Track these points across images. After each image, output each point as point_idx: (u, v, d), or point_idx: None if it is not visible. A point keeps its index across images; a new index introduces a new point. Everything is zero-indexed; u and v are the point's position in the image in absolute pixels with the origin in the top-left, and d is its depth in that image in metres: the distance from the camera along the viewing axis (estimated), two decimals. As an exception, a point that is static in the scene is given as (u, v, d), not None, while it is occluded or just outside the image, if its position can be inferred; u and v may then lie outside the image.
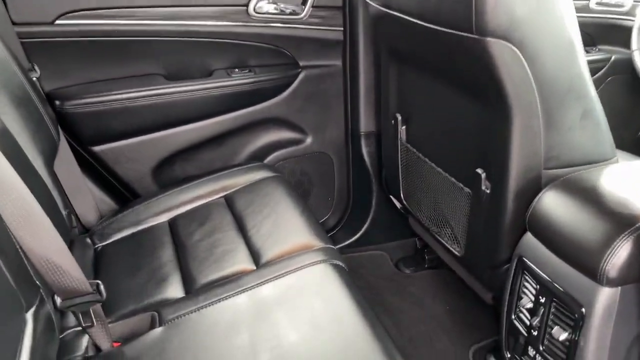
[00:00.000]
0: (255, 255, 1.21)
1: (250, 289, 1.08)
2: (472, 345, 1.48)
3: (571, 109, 1.04)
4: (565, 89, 1.03)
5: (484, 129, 1.14)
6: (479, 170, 1.17)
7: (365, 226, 1.86)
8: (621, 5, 1.87)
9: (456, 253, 1.37)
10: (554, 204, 1.01)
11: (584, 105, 1.05)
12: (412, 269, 1.81)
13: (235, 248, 1.23)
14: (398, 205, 1.77)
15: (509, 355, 1.16)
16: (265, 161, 1.73)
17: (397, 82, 1.50)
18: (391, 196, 1.77)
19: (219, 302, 1.06)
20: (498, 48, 0.97)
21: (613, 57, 1.91)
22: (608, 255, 0.87)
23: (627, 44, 1.79)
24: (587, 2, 1.92)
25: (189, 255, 1.24)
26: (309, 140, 1.77)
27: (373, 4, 1.35)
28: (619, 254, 0.87)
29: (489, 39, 0.96)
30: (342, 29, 1.64)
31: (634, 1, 1.86)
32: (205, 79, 1.57)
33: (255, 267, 1.17)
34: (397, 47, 1.40)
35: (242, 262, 1.19)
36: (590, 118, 1.07)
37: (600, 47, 1.94)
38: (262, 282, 1.09)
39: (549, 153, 1.07)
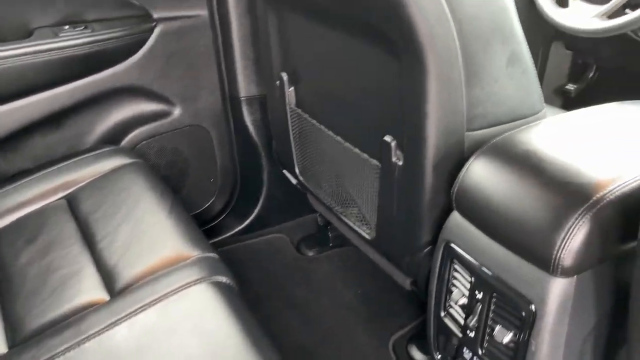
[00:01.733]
0: (108, 279, 0.89)
1: (101, 334, 0.77)
2: (392, 335, 1.30)
3: (497, 53, 0.83)
4: (489, 29, 0.81)
5: (391, 85, 0.90)
6: (388, 138, 0.94)
7: (258, 207, 1.59)
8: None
9: (366, 236, 1.14)
10: (485, 176, 0.80)
11: (511, 48, 0.84)
12: (316, 250, 1.58)
13: (79, 270, 0.91)
14: (293, 181, 1.51)
15: (439, 356, 0.97)
16: (123, 143, 1.38)
17: (279, 33, 1.21)
18: (285, 171, 1.51)
19: None
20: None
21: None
22: (564, 241, 0.68)
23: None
24: None
25: (14, 287, 0.89)
26: (177, 111, 1.43)
27: None
28: (576, 238, 0.68)
29: (393, -37, 0.71)
30: (202, -32, 1.31)
31: None
32: (23, 41, 1.17)
33: (108, 297, 0.86)
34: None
35: (89, 290, 0.87)
36: (518, 63, 0.86)
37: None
38: (117, 321, 0.79)
39: (472, 110, 0.86)
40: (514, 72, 0.86)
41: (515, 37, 0.84)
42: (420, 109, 0.84)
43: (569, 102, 1.90)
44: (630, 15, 1.20)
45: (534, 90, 0.90)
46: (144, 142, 1.41)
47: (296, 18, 1.12)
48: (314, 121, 1.20)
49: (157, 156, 1.44)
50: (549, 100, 1.98)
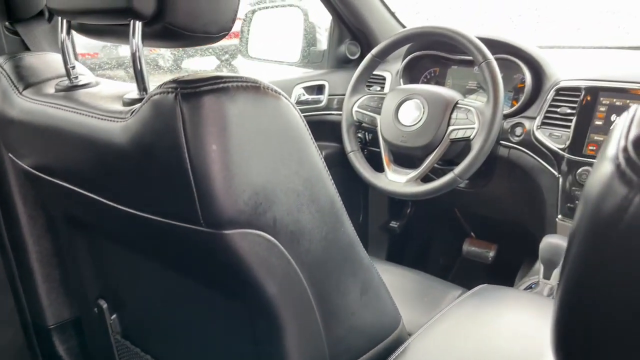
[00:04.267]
0: None
1: None
2: None
3: (350, 287, 0.77)
4: (338, 266, 0.75)
5: (245, 334, 0.78)
6: (248, 387, 0.81)
7: None
8: (319, 102, 1.81)
9: None
10: None
11: (362, 278, 0.79)
12: None
13: None
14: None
15: None
16: None
17: (91, 257, 1.03)
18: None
19: None
20: (245, 241, 0.63)
21: (323, 153, 1.82)
22: None
23: (335, 138, 1.72)
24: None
25: None
26: (-41, 364, 1.12)
27: (22, 164, 0.87)
28: None
29: (227, 231, 0.62)
30: (-18, 191, 1.08)
31: (329, 95, 1.81)
32: None
33: None
34: (79, 217, 0.94)
35: None
36: (370, 289, 0.81)
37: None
38: None
39: (335, 349, 0.78)
40: (369, 299, 0.81)
41: (363, 266, 0.79)
42: (279, 361, 0.73)
43: (395, 237, 1.99)
44: (442, 180, 1.29)
45: (389, 308, 0.86)
46: None
47: (112, 247, 0.96)
48: (149, 356, 1.00)
49: None
50: (378, 238, 2.05)
